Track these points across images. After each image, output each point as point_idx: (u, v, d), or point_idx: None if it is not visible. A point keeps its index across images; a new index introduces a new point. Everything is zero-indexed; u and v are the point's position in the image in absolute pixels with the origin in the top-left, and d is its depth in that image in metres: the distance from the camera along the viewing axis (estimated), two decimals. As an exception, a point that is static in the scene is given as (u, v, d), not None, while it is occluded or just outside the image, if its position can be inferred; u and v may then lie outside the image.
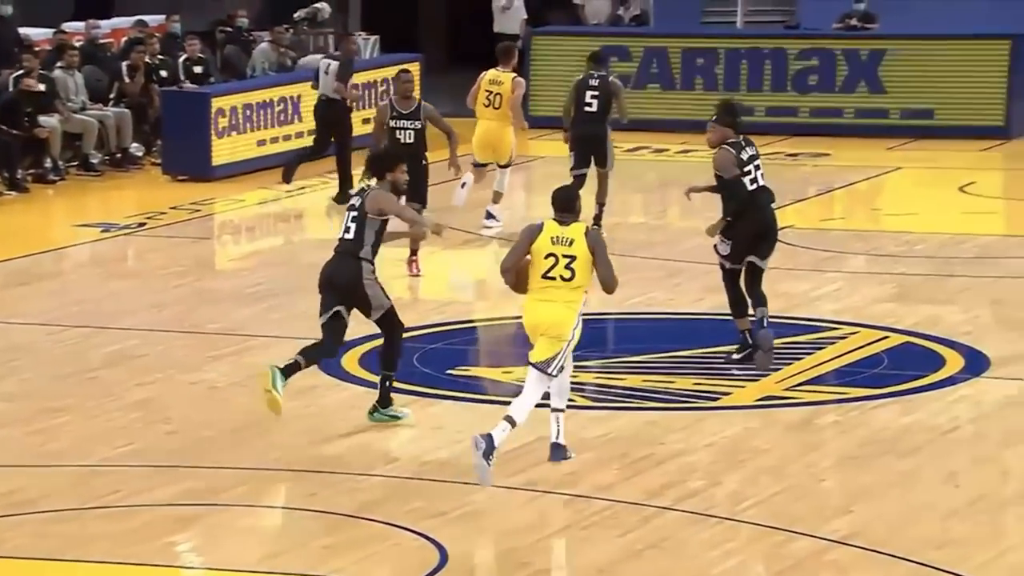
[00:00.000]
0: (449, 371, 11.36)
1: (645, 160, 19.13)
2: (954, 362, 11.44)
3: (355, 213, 10.23)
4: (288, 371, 10.11)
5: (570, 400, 10.84)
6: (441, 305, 13.51)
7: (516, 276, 9.51)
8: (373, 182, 10.32)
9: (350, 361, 11.71)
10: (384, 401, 10.36)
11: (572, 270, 9.38)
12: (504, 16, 23.95)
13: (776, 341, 11.55)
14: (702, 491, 9.24)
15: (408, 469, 9.70)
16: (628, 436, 9.71)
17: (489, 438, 9.19)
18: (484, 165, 16.04)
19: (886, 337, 11.96)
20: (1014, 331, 12.19)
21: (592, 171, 15.44)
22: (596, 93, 15.62)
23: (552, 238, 9.44)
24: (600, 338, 11.94)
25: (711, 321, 12.50)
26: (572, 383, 10.58)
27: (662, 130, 20.66)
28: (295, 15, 23.03)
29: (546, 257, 9.41)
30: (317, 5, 23.29)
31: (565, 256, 9.39)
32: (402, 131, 13.99)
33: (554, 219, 9.54)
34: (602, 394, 10.88)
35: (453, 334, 12.35)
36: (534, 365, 9.48)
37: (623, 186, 15.65)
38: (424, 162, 13.96)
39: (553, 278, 9.40)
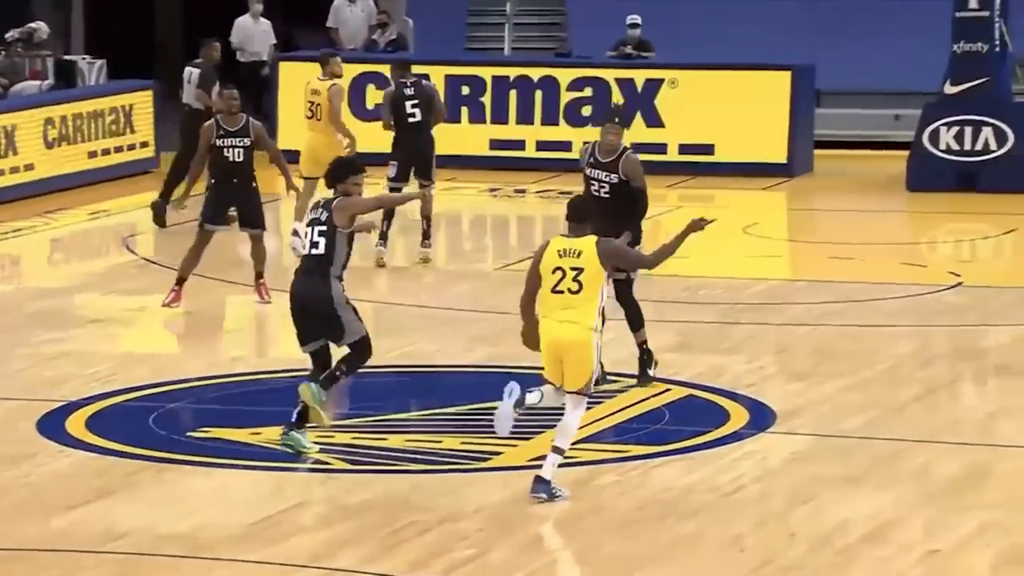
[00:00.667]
0: (190, 433, 11.23)
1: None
2: (738, 416, 11.62)
3: (323, 227, 10.47)
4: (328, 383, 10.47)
5: (326, 464, 10.80)
6: (188, 358, 13.35)
7: (532, 312, 9.97)
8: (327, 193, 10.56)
9: (75, 424, 11.50)
10: (326, 382, 10.52)
11: (579, 283, 9.84)
12: (250, 40, 23.85)
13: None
14: (472, 560, 9.26)
15: (141, 543, 9.54)
16: (391, 502, 9.72)
17: (540, 479, 9.93)
18: (313, 179, 16.04)
19: (667, 390, 12.10)
20: (799, 382, 12.46)
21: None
22: (416, 101, 15.95)
23: (559, 251, 9.93)
24: (360, 394, 11.92)
25: (481, 374, 12.52)
26: (328, 444, 10.55)
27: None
28: (7, 35, 22.61)
29: (553, 271, 9.89)
30: (33, 25, 22.88)
31: (573, 269, 9.86)
32: (230, 149, 14.25)
33: (562, 234, 10.02)
34: (362, 456, 10.87)
35: (199, 391, 12.22)
36: (575, 392, 9.92)
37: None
38: (254, 183, 14.31)
39: (561, 292, 9.87)
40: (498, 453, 10.94)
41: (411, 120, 15.86)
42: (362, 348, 10.55)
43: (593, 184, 12.05)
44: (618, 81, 21.85)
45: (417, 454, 10.58)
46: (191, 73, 18.17)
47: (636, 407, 11.77)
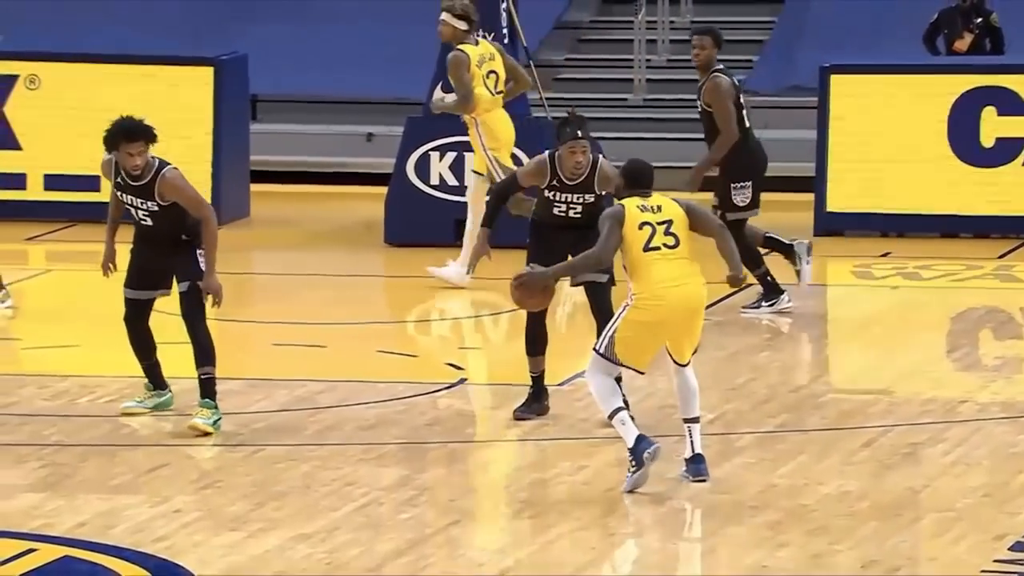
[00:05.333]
0: None
1: None
2: (141, 584, 11.88)
3: None
4: None
5: None
6: None
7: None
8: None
9: None
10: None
11: (674, 235, 12.91)
12: None
13: None
14: None
15: None
16: None
17: (701, 456, 13.10)
18: None
19: (32, 550, 12.08)
20: (233, 532, 12.43)
21: None
22: None
23: (639, 207, 12.94)
24: None
25: None
26: None
27: None
28: None
29: (640, 227, 12.87)
30: None
31: (660, 223, 12.88)
32: None
33: (631, 195, 13.04)
34: None
35: None
36: (685, 365, 13.09)
37: None
38: None
39: (657, 248, 12.90)
40: None
41: None
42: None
43: (559, 207, 14.44)
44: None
45: None
46: None
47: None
